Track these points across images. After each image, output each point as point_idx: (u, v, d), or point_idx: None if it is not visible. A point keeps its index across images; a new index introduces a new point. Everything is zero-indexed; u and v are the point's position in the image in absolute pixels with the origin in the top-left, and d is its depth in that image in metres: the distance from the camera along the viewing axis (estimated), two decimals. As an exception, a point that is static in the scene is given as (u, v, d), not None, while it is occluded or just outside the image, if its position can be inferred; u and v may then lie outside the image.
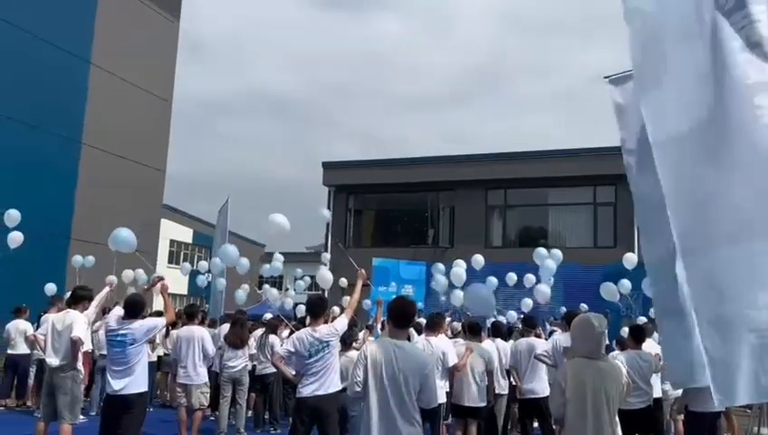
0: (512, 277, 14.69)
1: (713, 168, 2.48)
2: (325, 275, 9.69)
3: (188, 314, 8.24)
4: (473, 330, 7.42)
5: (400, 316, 3.86)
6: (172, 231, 35.72)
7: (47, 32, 11.76)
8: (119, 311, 5.59)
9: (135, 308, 5.53)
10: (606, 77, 6.68)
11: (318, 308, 5.68)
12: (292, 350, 5.45)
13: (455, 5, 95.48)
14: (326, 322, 5.73)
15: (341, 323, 5.62)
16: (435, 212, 21.68)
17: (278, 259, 12.31)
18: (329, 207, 22.33)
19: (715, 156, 2.51)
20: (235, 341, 8.34)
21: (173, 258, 38.20)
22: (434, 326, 7.00)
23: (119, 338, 5.41)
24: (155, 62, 14.94)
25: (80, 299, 6.33)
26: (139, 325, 5.48)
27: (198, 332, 7.85)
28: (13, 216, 9.90)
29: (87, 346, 7.29)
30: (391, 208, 22.87)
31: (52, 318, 6.35)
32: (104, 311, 8.15)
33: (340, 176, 22.15)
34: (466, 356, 6.77)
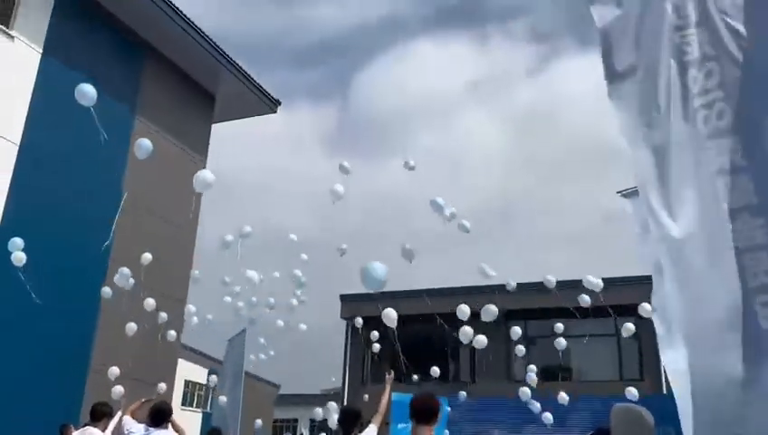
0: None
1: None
2: None
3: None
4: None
5: (422, 410, 3.77)
6: (187, 371, 35.19)
7: (84, 169, 12.36)
8: (130, 421, 5.43)
9: (161, 415, 5.41)
10: (619, 192, 6.93)
11: (353, 420, 5.47)
12: None
13: (463, 149, 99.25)
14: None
15: (371, 433, 5.42)
16: (455, 345, 21.34)
17: None
18: (346, 342, 22.08)
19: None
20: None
21: (187, 399, 37.33)
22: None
23: None
24: (180, 199, 15.53)
25: (100, 416, 6.17)
26: (164, 434, 5.34)
27: None
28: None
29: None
30: (410, 341, 22.57)
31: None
32: None
33: (357, 308, 22.09)
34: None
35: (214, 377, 13.97)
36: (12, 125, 11.47)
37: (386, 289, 21.62)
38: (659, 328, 5.33)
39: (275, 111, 17.51)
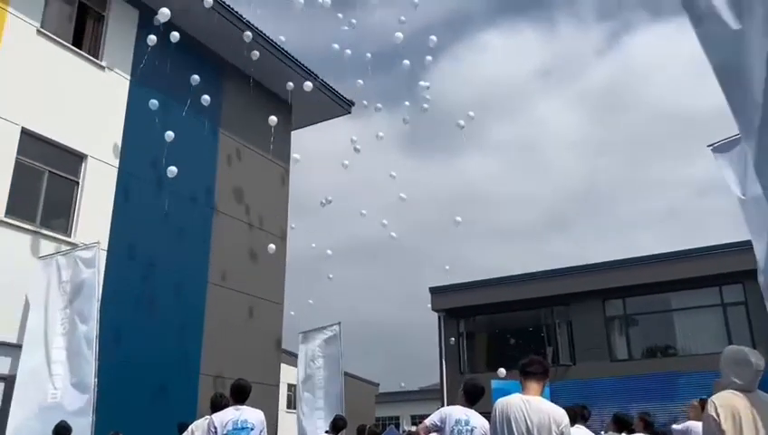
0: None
1: None
2: None
3: (335, 426, 8.25)
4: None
5: (530, 365, 3.86)
6: (289, 375, 36.07)
7: (177, 184, 13.04)
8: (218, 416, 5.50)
9: (245, 393, 5.58)
10: (709, 145, 6.67)
11: (478, 395, 5.49)
12: (438, 423, 5.26)
13: (539, 138, 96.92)
14: None
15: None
16: (551, 329, 20.99)
17: None
18: (440, 334, 22.13)
19: None
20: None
21: (291, 403, 38.37)
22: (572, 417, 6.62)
23: (239, 425, 5.39)
24: (270, 205, 16.09)
25: (220, 407, 6.40)
26: (253, 411, 5.49)
27: None
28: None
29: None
30: (504, 329, 22.39)
31: (191, 426, 6.58)
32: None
33: (448, 300, 22.12)
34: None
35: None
36: (111, 150, 12.26)
37: (477, 277, 21.50)
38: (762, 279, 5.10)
39: (350, 112, 17.84)
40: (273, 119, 14.29)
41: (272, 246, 14.54)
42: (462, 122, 14.28)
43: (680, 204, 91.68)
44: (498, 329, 22.57)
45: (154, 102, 12.13)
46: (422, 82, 14.68)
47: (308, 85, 14.34)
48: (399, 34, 13.72)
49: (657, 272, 18.64)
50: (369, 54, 14.34)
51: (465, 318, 22.38)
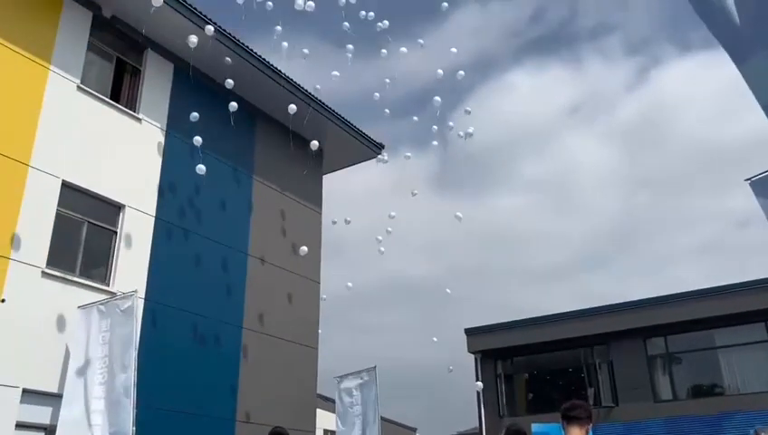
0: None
1: None
2: None
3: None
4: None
5: (571, 409, 3.76)
6: (326, 420, 35.63)
7: (212, 232, 13.29)
8: None
9: None
10: (746, 179, 6.51)
11: None
12: None
13: (572, 175, 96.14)
14: None
15: None
16: (591, 369, 20.46)
17: None
18: (476, 376, 21.73)
19: None
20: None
21: (327, 450, 37.84)
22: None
23: None
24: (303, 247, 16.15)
25: None
26: None
27: None
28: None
29: None
30: (543, 370, 21.90)
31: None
32: None
33: (484, 341, 21.78)
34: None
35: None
36: (148, 200, 12.53)
37: (514, 318, 21.20)
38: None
39: (380, 153, 17.98)
40: (314, 143, 14.47)
41: (304, 249, 14.69)
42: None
43: (719, 237, 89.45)
44: (537, 370, 22.08)
45: (198, 139, 12.31)
46: (466, 108, 14.98)
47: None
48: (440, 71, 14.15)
49: (700, 308, 18.14)
50: (387, 80, 14.42)
51: (502, 359, 21.97)
